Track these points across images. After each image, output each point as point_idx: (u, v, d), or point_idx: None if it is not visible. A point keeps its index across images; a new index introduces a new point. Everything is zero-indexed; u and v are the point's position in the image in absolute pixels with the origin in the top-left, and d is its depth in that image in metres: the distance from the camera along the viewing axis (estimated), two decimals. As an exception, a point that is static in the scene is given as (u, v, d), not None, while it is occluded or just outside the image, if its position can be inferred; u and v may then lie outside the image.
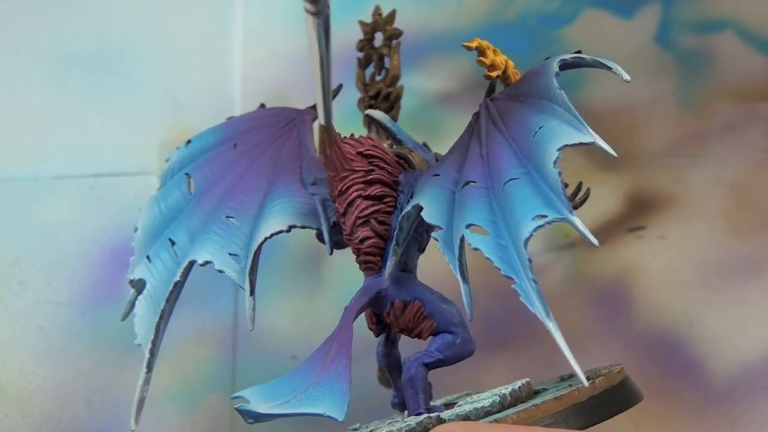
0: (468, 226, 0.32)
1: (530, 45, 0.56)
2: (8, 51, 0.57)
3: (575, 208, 0.38)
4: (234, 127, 0.42)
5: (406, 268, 0.36)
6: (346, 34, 0.54)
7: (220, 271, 0.37)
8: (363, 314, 0.37)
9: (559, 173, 0.31)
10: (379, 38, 0.45)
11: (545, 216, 0.31)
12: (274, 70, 0.57)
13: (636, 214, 0.55)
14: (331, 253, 0.38)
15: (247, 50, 0.58)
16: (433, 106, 0.56)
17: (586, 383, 0.31)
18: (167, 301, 0.38)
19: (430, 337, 0.36)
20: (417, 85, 0.56)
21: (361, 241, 0.36)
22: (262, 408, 0.31)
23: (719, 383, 0.52)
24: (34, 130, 0.56)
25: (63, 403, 0.53)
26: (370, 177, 0.36)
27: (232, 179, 0.40)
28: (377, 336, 0.38)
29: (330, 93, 0.33)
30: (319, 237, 0.38)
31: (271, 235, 0.37)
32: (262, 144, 0.41)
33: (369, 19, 0.45)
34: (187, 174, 0.41)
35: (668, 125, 0.55)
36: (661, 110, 0.55)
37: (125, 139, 0.56)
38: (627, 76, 0.32)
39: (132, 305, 0.39)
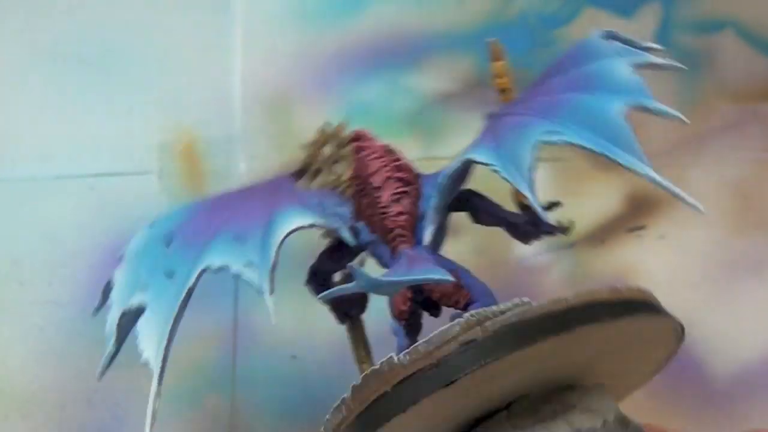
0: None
1: (530, 45, 0.56)
2: (8, 51, 0.57)
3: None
4: (202, 203, 0.40)
5: (434, 246, 0.36)
6: (346, 36, 0.54)
7: (237, 276, 0.35)
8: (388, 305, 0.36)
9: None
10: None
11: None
12: (274, 70, 0.57)
13: (636, 214, 0.55)
14: (354, 244, 0.38)
15: (247, 50, 0.58)
16: (433, 106, 0.56)
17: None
18: (181, 307, 0.35)
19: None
20: (417, 85, 0.56)
21: (397, 214, 0.36)
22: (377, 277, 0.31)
23: (719, 383, 0.52)
24: (34, 130, 0.56)
25: (63, 403, 0.52)
26: (397, 163, 0.37)
27: (222, 221, 0.37)
28: (404, 318, 0.36)
29: None
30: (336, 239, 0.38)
31: (295, 229, 0.36)
32: (242, 199, 0.39)
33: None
34: (165, 236, 0.38)
35: (668, 125, 0.54)
36: (661, 110, 0.55)
37: (125, 139, 0.56)
38: None
39: (110, 360, 0.37)
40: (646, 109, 0.32)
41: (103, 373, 0.38)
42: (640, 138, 0.32)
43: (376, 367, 0.31)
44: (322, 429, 0.33)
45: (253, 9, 0.58)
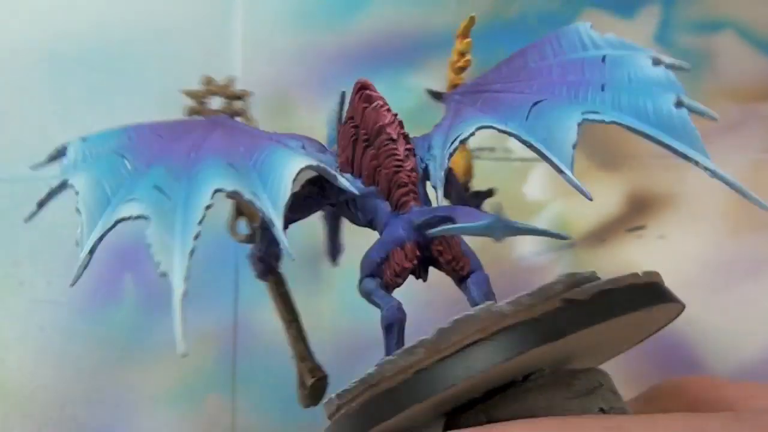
0: None
1: (530, 45, 0.56)
2: (8, 51, 0.57)
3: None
4: (137, 128, 0.36)
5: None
6: (346, 36, 0.54)
7: (250, 202, 0.32)
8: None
9: None
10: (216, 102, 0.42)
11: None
12: (274, 70, 0.57)
13: (636, 213, 0.55)
14: (359, 194, 0.35)
15: (247, 50, 0.58)
16: (433, 106, 0.56)
17: None
18: (198, 223, 0.31)
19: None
20: (417, 85, 0.56)
21: (411, 170, 0.34)
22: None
23: (719, 383, 0.52)
24: (34, 130, 0.56)
25: (63, 403, 0.53)
26: (400, 120, 0.35)
27: (191, 145, 0.34)
28: (403, 277, 0.34)
29: None
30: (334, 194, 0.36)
31: (303, 169, 0.33)
32: (197, 130, 0.36)
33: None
34: (118, 153, 0.34)
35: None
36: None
37: (125, 139, 0.56)
38: None
39: (84, 267, 0.34)
40: (682, 105, 0.33)
41: (75, 280, 0.34)
42: (641, 138, 0.32)
43: (471, 312, 0.29)
44: (374, 369, 0.29)
45: (253, 9, 0.58)
